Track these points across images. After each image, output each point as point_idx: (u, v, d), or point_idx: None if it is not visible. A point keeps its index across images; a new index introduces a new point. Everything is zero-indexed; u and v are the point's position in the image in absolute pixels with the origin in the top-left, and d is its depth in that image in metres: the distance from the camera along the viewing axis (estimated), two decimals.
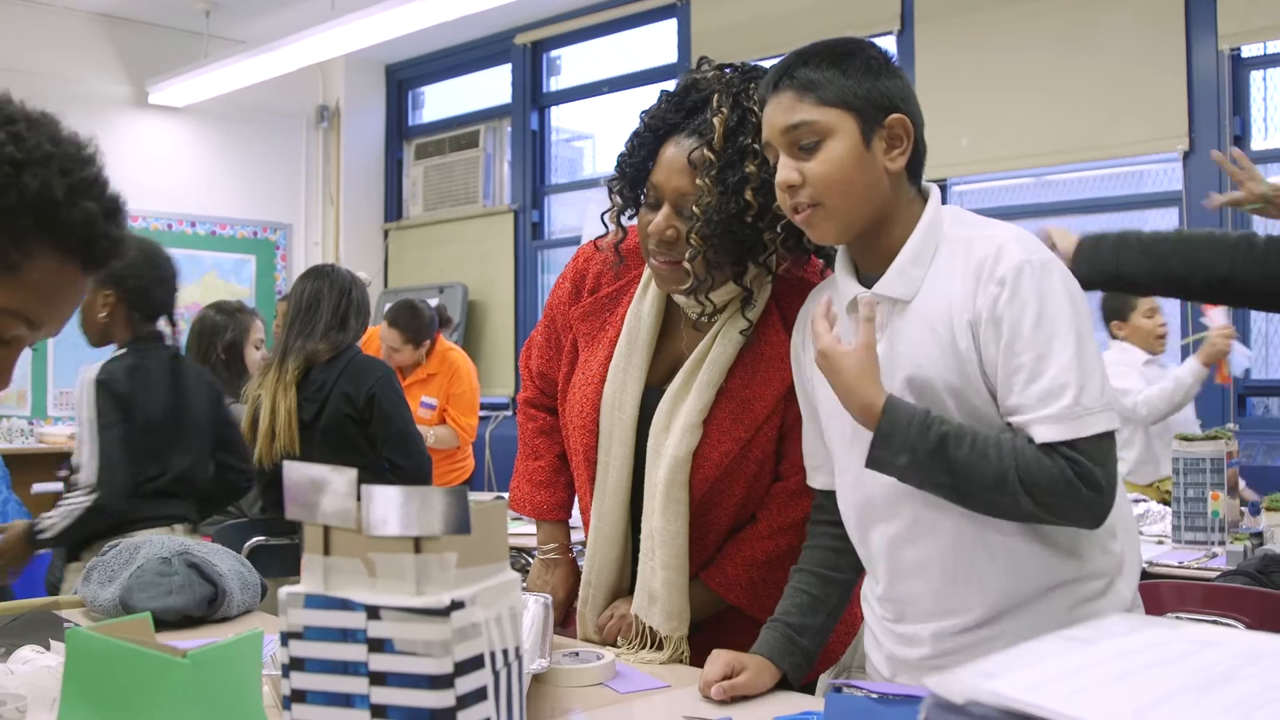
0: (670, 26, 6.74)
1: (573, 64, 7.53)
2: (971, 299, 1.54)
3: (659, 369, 2.01)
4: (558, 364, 2.16)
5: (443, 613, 0.85)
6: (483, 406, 5.88)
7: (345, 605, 0.87)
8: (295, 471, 0.90)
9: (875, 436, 1.54)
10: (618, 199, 1.96)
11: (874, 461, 1.55)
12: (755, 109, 1.78)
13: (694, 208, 1.80)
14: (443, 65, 8.10)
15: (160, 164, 7.55)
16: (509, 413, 7.14)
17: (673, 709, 1.65)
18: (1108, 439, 1.51)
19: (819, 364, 1.60)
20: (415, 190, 8.11)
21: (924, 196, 1.66)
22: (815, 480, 1.84)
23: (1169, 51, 4.90)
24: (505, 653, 0.92)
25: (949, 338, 1.56)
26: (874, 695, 1.25)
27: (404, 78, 8.34)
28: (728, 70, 1.88)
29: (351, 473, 0.88)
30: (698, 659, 1.85)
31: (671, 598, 1.93)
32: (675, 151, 1.84)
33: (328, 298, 3.64)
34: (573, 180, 7.62)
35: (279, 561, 3.84)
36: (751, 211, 1.79)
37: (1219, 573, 2.88)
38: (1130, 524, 1.69)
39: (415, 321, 5.27)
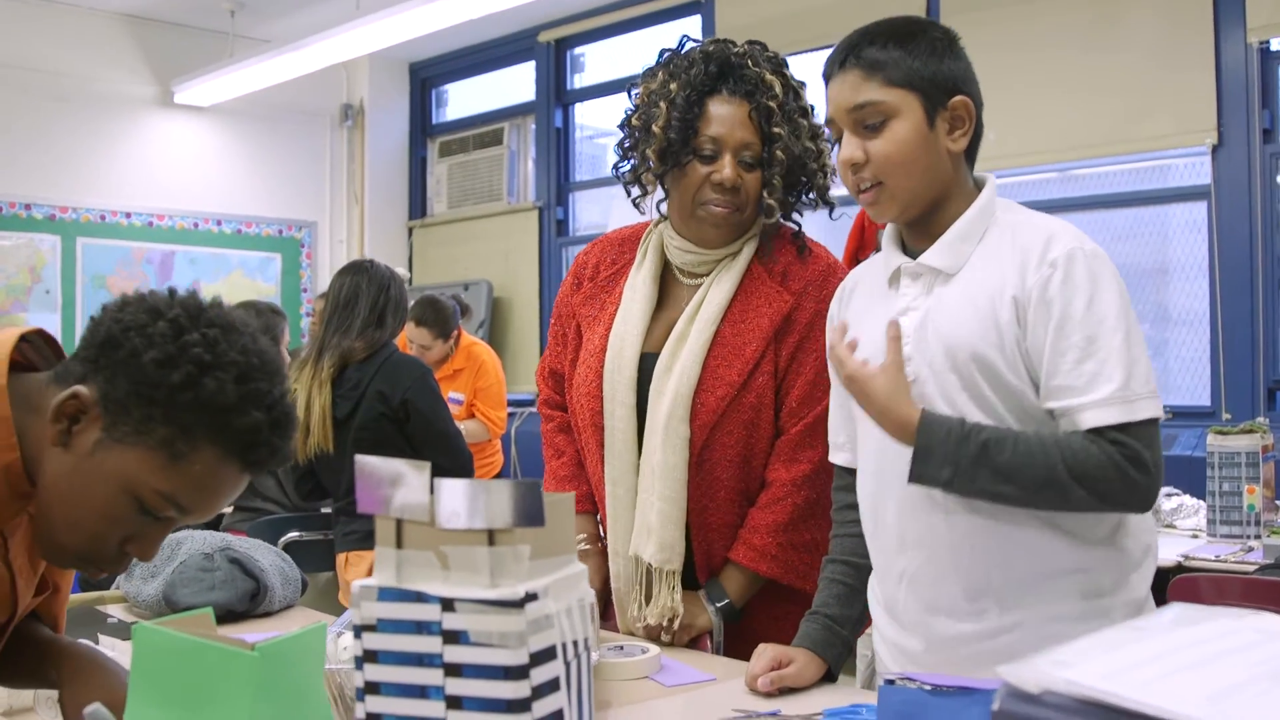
0: (694, 23, 6.74)
1: (596, 61, 7.52)
2: (1020, 277, 1.56)
3: (658, 335, 2.08)
4: (564, 356, 2.22)
5: (518, 604, 0.86)
6: (509, 402, 5.89)
7: (420, 598, 0.89)
8: (368, 466, 0.92)
9: (915, 453, 1.54)
10: (655, 159, 2.01)
11: (916, 477, 1.55)
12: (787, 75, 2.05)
13: (777, 136, 1.98)
14: (466, 63, 8.10)
15: (186, 163, 7.58)
16: (534, 409, 7.14)
17: (720, 702, 1.66)
18: (1153, 425, 1.53)
19: (848, 389, 1.62)
20: (439, 188, 8.12)
21: (979, 185, 1.69)
22: (838, 457, 1.85)
23: (1197, 44, 4.86)
24: (575, 644, 0.93)
25: (989, 310, 1.57)
26: (927, 687, 1.26)
27: (428, 76, 8.34)
28: (725, 41, 2.05)
29: (425, 466, 0.89)
30: (742, 651, 1.86)
31: (666, 529, 1.98)
32: (728, 109, 1.99)
33: (366, 294, 3.61)
34: (597, 177, 7.59)
35: (313, 557, 3.86)
36: (812, 155, 2.01)
37: (1256, 566, 2.88)
38: (1146, 521, 1.67)
39: (441, 315, 5.29)
